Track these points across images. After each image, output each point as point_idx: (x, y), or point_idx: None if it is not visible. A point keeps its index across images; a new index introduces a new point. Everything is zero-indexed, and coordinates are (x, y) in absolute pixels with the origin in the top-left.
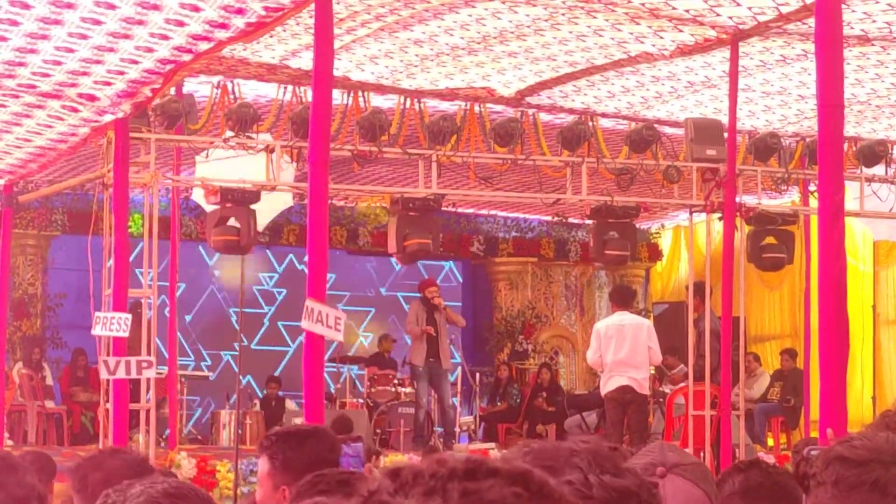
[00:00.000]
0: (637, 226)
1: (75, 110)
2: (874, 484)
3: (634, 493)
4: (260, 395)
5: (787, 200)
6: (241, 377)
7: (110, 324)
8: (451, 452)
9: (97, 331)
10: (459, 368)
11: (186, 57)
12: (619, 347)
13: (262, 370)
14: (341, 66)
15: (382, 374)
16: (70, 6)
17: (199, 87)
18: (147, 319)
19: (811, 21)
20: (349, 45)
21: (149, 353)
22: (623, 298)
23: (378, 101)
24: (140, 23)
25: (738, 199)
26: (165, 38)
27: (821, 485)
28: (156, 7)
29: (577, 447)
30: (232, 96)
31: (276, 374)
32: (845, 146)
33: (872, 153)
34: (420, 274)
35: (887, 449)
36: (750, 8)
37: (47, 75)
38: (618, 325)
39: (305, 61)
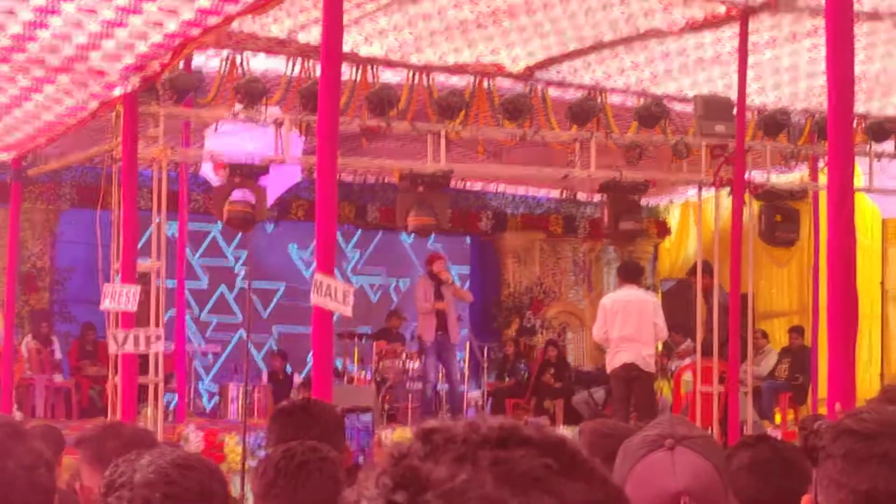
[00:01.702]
0: (645, 202)
1: (84, 85)
2: (884, 457)
3: None
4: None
5: (795, 176)
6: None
7: (119, 297)
8: (485, 416)
9: (106, 304)
10: (467, 343)
11: (195, 31)
12: (626, 323)
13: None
14: (350, 41)
15: (390, 348)
16: None
17: (208, 62)
18: (155, 285)
19: None
20: (358, 20)
21: (157, 327)
22: (630, 274)
23: (387, 75)
24: None
25: (746, 175)
26: (174, 12)
27: (829, 457)
28: None
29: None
30: (240, 70)
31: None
32: (854, 123)
33: (882, 129)
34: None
35: None
36: None
37: (56, 50)
38: (624, 300)
39: (314, 36)
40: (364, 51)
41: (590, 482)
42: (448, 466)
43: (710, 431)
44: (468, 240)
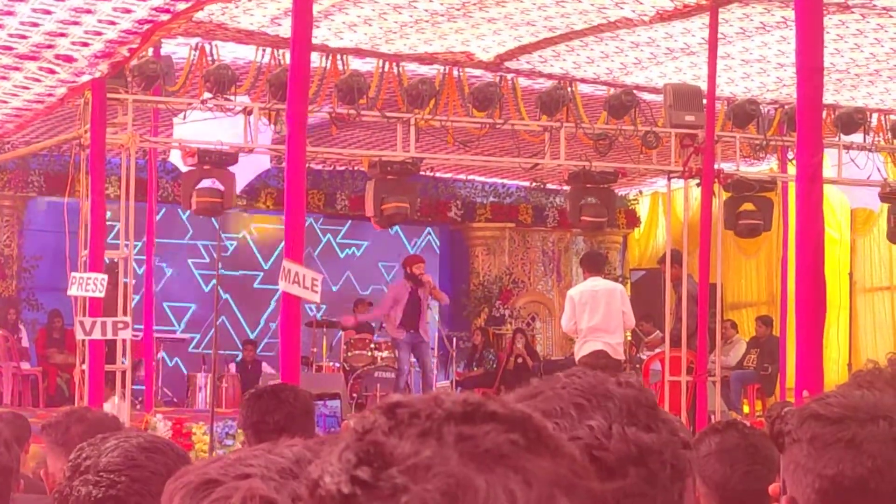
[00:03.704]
0: (615, 192)
1: (52, 72)
2: (850, 441)
3: (656, 451)
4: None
5: (765, 168)
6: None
7: (86, 284)
8: (449, 391)
9: (73, 291)
10: (436, 333)
11: (164, 17)
12: (594, 313)
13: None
14: (320, 34)
15: (359, 338)
16: None
17: (178, 49)
18: (123, 281)
19: None
20: (329, 12)
21: (125, 315)
22: (594, 264)
23: (357, 64)
24: None
25: (716, 166)
26: None
27: (796, 442)
28: None
29: (617, 391)
30: (210, 58)
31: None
32: (824, 114)
33: (851, 120)
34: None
35: (863, 406)
36: None
37: (24, 37)
38: (591, 290)
39: (284, 29)
40: (334, 44)
41: (556, 458)
42: (412, 442)
43: None
44: (436, 229)
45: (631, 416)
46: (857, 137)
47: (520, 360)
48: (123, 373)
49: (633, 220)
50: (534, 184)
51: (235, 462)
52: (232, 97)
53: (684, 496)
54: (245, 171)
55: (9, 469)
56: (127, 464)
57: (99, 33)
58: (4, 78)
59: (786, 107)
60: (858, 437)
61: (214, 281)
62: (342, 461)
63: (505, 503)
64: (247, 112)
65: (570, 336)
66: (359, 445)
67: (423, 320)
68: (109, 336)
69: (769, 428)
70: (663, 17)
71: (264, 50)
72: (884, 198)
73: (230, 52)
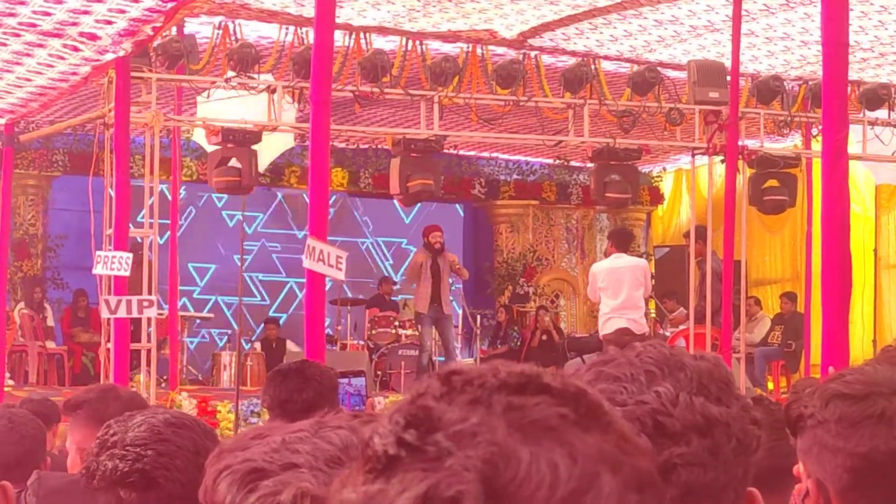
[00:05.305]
0: (639, 169)
1: (76, 49)
2: (881, 416)
3: (723, 423)
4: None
5: (789, 144)
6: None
7: (111, 263)
8: (508, 362)
9: (98, 270)
10: (461, 311)
11: None
12: (617, 291)
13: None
14: (343, 14)
15: (383, 316)
16: None
17: (201, 28)
18: (148, 259)
19: None
20: None
21: (150, 293)
22: (622, 241)
23: (380, 42)
24: None
25: (740, 142)
26: None
27: (821, 424)
28: None
29: (690, 363)
30: (234, 37)
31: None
32: (848, 90)
33: (875, 96)
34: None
35: (884, 381)
36: None
37: (48, 14)
38: (615, 268)
39: (308, 8)
40: (357, 23)
41: (605, 435)
42: (461, 408)
43: None
44: (460, 207)
45: (701, 387)
46: (881, 113)
47: (544, 338)
48: (149, 351)
49: (656, 197)
50: (557, 161)
51: (281, 447)
52: (255, 76)
53: (749, 473)
54: (269, 150)
55: (36, 441)
56: (153, 438)
57: (123, 11)
58: (28, 55)
59: (810, 83)
60: (888, 411)
61: (238, 260)
62: (392, 423)
63: (547, 476)
64: (270, 90)
65: (596, 305)
66: (409, 409)
67: (444, 293)
68: (135, 314)
69: (785, 411)
70: None
71: (287, 28)
72: None
73: (253, 31)
